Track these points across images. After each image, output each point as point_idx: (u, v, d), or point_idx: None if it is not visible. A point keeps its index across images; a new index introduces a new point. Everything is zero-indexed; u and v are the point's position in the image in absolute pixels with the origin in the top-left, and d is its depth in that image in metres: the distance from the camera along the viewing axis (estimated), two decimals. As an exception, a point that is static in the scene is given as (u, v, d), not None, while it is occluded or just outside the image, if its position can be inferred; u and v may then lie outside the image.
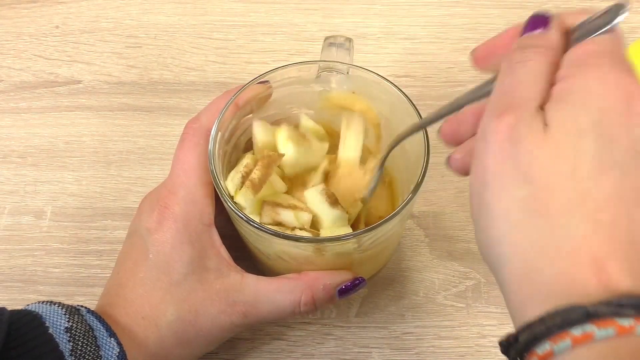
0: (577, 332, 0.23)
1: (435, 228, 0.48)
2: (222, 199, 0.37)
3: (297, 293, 0.37)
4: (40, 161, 0.52)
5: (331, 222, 0.38)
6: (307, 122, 0.43)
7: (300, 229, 0.38)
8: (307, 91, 0.42)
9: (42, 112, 0.54)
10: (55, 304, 0.35)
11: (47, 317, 0.34)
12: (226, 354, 0.43)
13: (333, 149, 0.42)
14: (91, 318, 0.35)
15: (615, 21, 0.28)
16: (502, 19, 0.57)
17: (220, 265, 0.38)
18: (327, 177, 0.41)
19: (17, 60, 0.57)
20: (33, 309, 0.35)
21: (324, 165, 0.41)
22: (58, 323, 0.34)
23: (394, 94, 0.39)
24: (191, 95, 0.54)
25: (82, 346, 0.34)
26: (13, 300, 0.45)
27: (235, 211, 0.36)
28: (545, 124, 0.26)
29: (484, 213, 0.27)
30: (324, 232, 0.38)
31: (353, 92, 0.41)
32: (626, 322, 0.22)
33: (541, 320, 0.24)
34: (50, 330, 0.33)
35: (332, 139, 0.43)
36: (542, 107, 0.26)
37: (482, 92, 0.31)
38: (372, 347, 0.43)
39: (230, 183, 0.38)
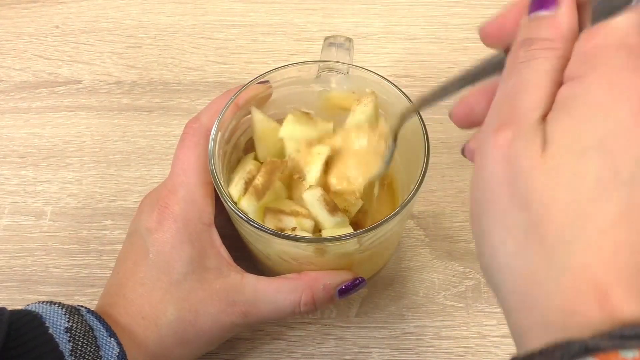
0: None
1: (435, 228, 0.48)
2: (222, 199, 0.37)
3: (297, 293, 0.37)
4: (40, 161, 0.52)
5: (332, 227, 0.38)
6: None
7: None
8: (307, 91, 0.42)
9: (42, 112, 0.54)
10: (55, 304, 0.35)
11: (47, 317, 0.34)
12: (226, 354, 0.43)
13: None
14: (91, 318, 0.35)
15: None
16: (502, 19, 0.57)
17: (220, 265, 0.38)
18: (332, 160, 0.39)
19: (17, 60, 0.57)
20: (33, 309, 0.35)
21: (325, 152, 0.39)
22: (58, 323, 0.34)
23: (394, 94, 0.39)
24: (191, 95, 0.54)
25: (82, 346, 0.34)
26: (13, 300, 0.45)
27: (235, 211, 0.36)
28: (546, 140, 0.24)
29: (483, 239, 0.26)
30: (326, 233, 0.38)
31: (353, 92, 0.41)
32: (630, 354, 0.21)
33: (541, 353, 0.22)
34: (50, 331, 0.33)
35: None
36: (545, 116, 0.25)
37: (489, 69, 0.29)
38: (372, 347, 0.43)
39: (234, 189, 0.38)
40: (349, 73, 0.41)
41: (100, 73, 0.56)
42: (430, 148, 0.37)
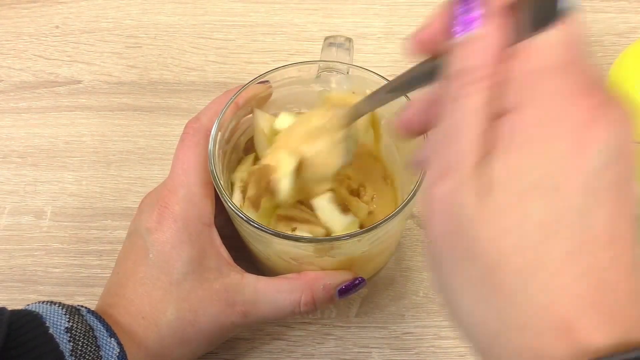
0: None
1: (435, 228, 0.48)
2: (222, 199, 0.37)
3: (297, 293, 0.37)
4: (40, 161, 0.52)
5: (343, 230, 0.38)
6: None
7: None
8: (307, 91, 0.42)
9: (42, 112, 0.54)
10: (55, 304, 0.35)
11: (48, 317, 0.34)
12: (226, 354, 0.43)
13: None
14: (91, 318, 0.35)
15: (563, 5, 0.22)
16: (502, 19, 0.57)
17: (220, 265, 0.38)
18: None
19: (17, 60, 0.57)
20: (33, 309, 0.35)
21: (292, 163, 0.37)
22: (58, 323, 0.34)
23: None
24: (191, 95, 0.54)
25: (82, 346, 0.34)
26: (13, 300, 0.45)
27: (235, 211, 0.36)
28: (487, 184, 0.23)
29: (444, 291, 0.25)
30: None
31: (353, 92, 0.41)
32: None
33: None
34: (51, 331, 0.33)
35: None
36: (484, 156, 0.23)
37: (421, 77, 0.27)
38: (372, 347, 0.43)
39: (235, 200, 0.38)
40: (349, 73, 0.41)
41: (100, 73, 0.56)
42: (430, 148, 0.37)
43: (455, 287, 0.24)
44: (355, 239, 0.35)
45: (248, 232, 0.37)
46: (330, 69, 0.41)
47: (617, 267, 0.22)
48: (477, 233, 0.23)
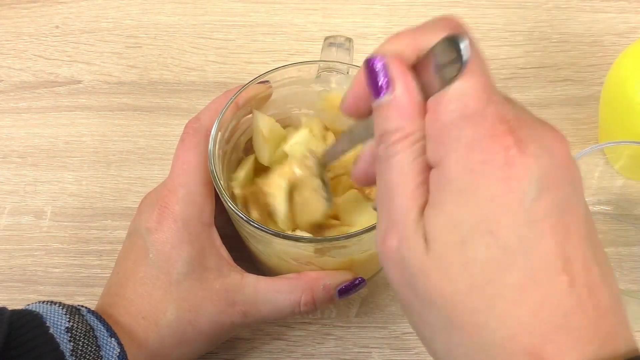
0: None
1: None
2: (222, 199, 0.37)
3: (297, 293, 0.37)
4: (40, 161, 0.52)
5: (369, 218, 0.38)
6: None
7: None
8: (307, 91, 0.42)
9: (42, 112, 0.54)
10: (55, 303, 0.35)
11: (48, 317, 0.34)
12: (226, 354, 0.43)
13: None
14: (92, 318, 0.35)
15: (464, 57, 0.23)
16: (502, 19, 0.57)
17: (220, 265, 0.38)
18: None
19: (17, 60, 0.57)
20: (33, 309, 0.35)
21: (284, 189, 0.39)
22: (59, 323, 0.34)
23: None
24: (191, 95, 0.54)
25: (82, 346, 0.34)
26: (13, 300, 0.45)
27: (236, 211, 0.36)
28: (427, 239, 0.24)
29: (416, 332, 0.26)
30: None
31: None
32: None
33: None
34: (51, 330, 0.33)
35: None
36: (423, 207, 0.24)
37: (367, 131, 0.28)
38: (372, 347, 0.43)
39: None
40: (349, 73, 0.41)
41: (100, 73, 0.56)
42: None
43: (424, 330, 0.25)
44: (356, 239, 0.35)
45: (248, 232, 0.37)
46: (330, 69, 0.41)
47: (579, 289, 0.22)
48: (427, 285, 0.24)
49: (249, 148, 0.43)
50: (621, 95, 0.44)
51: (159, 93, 0.55)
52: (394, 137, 0.25)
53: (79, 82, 0.56)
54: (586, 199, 0.25)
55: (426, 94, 0.25)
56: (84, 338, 0.34)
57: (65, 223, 0.49)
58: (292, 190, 0.38)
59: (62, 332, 0.34)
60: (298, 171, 0.38)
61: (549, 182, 0.23)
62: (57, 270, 0.47)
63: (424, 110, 0.25)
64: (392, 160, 0.25)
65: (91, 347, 0.34)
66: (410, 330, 0.44)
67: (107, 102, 0.54)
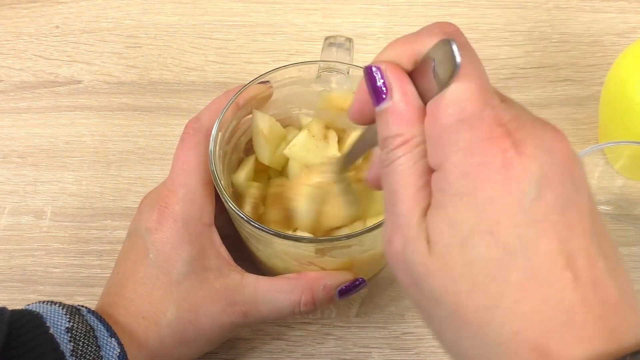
0: None
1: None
2: (222, 199, 0.37)
3: (297, 293, 0.37)
4: (40, 161, 0.52)
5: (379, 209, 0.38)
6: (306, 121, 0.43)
7: None
8: (308, 91, 0.42)
9: (42, 112, 0.54)
10: (55, 303, 0.35)
11: (48, 317, 0.34)
12: (226, 354, 0.43)
13: None
14: (92, 318, 0.35)
15: (457, 59, 0.23)
16: (502, 19, 0.57)
17: (220, 265, 0.38)
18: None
19: (17, 60, 0.57)
20: (34, 309, 0.35)
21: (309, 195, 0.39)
22: (59, 323, 0.34)
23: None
24: (191, 95, 0.54)
25: (82, 346, 0.34)
26: (13, 300, 0.45)
27: (236, 211, 0.36)
28: (429, 240, 0.24)
29: (428, 326, 0.27)
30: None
31: (353, 92, 0.41)
32: None
33: None
34: (51, 331, 0.33)
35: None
36: (426, 210, 0.25)
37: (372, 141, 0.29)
38: (372, 347, 0.43)
39: (246, 210, 0.39)
40: (349, 73, 0.41)
41: (100, 73, 0.56)
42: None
43: (435, 326, 0.26)
44: (356, 239, 0.35)
45: (249, 232, 0.37)
46: (330, 69, 0.41)
47: (583, 284, 0.22)
48: (431, 285, 0.24)
49: (249, 148, 0.43)
50: (621, 95, 0.44)
51: (159, 93, 0.55)
52: (395, 142, 0.26)
53: (79, 82, 0.56)
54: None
55: (426, 98, 0.25)
56: (84, 338, 0.34)
57: (65, 223, 0.49)
58: (315, 198, 0.38)
59: (62, 332, 0.34)
60: (318, 179, 0.38)
61: (548, 181, 0.23)
62: (57, 270, 0.47)
63: (423, 115, 0.25)
64: (394, 164, 0.26)
65: (91, 347, 0.34)
66: (410, 330, 0.44)
67: (107, 102, 0.54)
